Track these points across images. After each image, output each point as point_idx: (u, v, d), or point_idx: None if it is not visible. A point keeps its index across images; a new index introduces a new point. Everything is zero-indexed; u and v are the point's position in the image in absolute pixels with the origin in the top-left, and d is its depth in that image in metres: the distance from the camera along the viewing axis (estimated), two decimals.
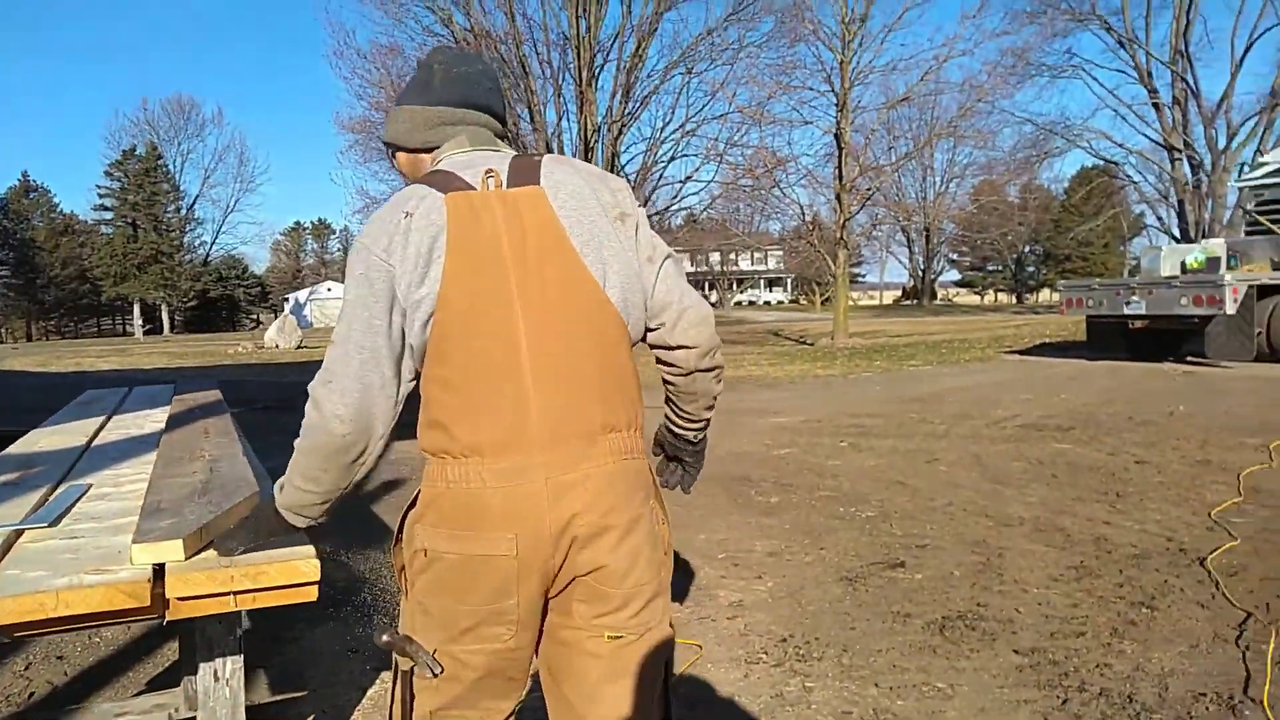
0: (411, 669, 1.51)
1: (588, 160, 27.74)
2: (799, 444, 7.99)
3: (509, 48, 27.73)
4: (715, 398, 1.72)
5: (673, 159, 30.49)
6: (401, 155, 1.68)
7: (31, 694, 3.35)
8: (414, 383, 1.52)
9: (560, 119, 28.77)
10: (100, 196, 63.86)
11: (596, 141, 28.06)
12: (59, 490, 2.38)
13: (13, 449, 3.13)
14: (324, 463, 1.49)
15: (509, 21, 27.31)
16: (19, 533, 1.93)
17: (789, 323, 35.52)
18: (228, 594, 1.62)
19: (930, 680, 3.17)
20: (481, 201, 1.46)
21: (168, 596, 1.59)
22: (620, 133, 28.25)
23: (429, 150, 1.63)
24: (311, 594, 1.68)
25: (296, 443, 1.52)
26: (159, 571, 1.63)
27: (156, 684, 3.36)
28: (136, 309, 61.78)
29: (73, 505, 2.17)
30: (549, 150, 28.09)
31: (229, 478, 2.32)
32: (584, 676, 1.50)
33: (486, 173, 1.48)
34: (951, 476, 6.44)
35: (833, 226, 23.22)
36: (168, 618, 1.62)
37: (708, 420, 1.78)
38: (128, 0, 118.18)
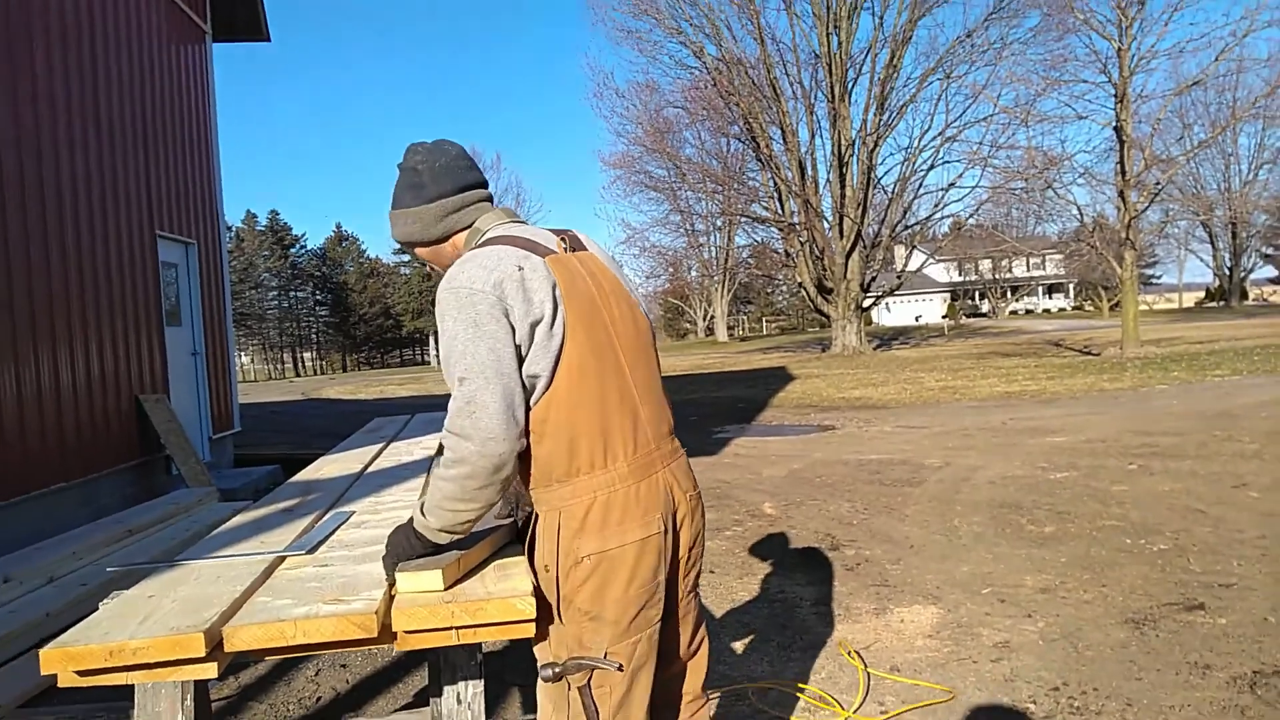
0: (588, 682, 1.73)
1: (842, 177, 27.29)
2: (1079, 466, 7.30)
3: (759, 72, 27.87)
4: None
5: (932, 167, 29.17)
6: (420, 249, 1.96)
7: (318, 698, 3.70)
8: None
9: (813, 138, 28.50)
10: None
11: (851, 156, 27.46)
12: (325, 517, 2.59)
13: (298, 476, 3.47)
14: (483, 483, 1.69)
15: (759, 47, 27.48)
16: (281, 559, 2.11)
17: (1071, 332, 32.70)
18: (449, 629, 1.67)
19: None
20: (570, 262, 1.82)
21: (394, 629, 1.67)
22: (876, 145, 27.48)
23: (448, 237, 1.92)
24: (529, 630, 1.71)
25: (441, 473, 1.71)
26: (389, 603, 1.72)
27: (422, 696, 3.59)
28: (431, 340, 68.46)
29: (332, 533, 2.35)
30: (802, 170, 28.10)
31: None
32: (684, 637, 1.95)
33: (561, 238, 1.86)
34: (1265, 504, 5.61)
35: (1117, 226, 21.09)
36: (396, 648, 1.70)
37: None
38: (419, 64, 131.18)
